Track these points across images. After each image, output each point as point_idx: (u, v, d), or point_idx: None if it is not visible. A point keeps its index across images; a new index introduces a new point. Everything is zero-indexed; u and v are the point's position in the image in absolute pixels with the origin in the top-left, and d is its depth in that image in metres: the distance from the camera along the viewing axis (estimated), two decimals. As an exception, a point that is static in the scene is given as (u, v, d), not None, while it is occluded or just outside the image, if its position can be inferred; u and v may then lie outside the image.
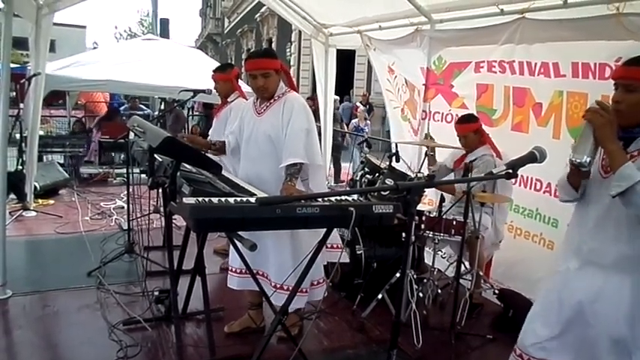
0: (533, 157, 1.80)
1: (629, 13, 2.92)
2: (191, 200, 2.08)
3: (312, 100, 7.83)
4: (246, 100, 3.64)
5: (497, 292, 3.71)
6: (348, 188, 4.49)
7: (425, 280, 3.71)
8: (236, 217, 2.02)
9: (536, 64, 3.63)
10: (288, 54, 21.63)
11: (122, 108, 11.07)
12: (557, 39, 3.38)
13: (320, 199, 2.24)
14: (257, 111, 3.01)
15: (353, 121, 10.59)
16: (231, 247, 2.97)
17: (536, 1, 3.52)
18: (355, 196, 2.45)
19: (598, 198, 1.89)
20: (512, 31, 3.68)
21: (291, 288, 2.57)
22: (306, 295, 2.99)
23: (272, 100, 2.95)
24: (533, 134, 3.70)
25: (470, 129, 3.76)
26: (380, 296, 3.48)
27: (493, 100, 4.06)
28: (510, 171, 1.71)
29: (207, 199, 2.13)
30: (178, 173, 2.48)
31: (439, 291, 3.79)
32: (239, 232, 2.07)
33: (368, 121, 10.20)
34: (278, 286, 2.86)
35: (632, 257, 1.79)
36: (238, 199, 2.22)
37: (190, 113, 11.82)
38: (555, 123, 3.56)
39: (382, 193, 3.54)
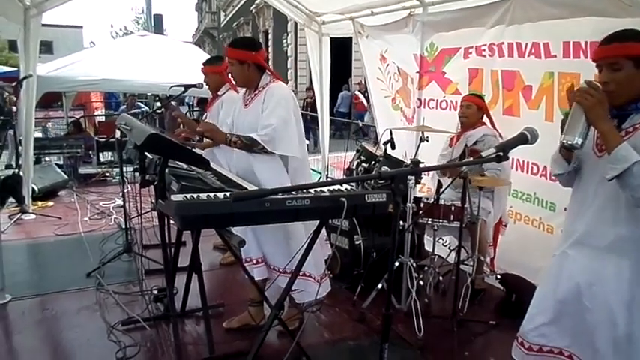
0: (524, 138, 1.74)
1: (624, -14, 2.85)
2: (178, 197, 2.04)
3: (312, 90, 7.77)
4: (237, 92, 3.59)
5: (499, 277, 3.67)
6: (344, 177, 4.44)
7: (426, 268, 3.68)
8: (224, 213, 1.99)
9: (526, 44, 3.56)
10: (285, 45, 21.51)
11: (121, 108, 11.07)
12: (549, 17, 3.31)
13: (312, 190, 2.21)
14: (244, 102, 2.97)
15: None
16: None
17: (528, -21, 3.45)
18: (348, 186, 2.41)
19: (593, 178, 1.84)
20: (504, 10, 3.61)
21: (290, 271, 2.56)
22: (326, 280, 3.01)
23: (256, 92, 2.90)
24: (525, 117, 3.65)
25: (476, 101, 3.78)
26: (380, 286, 3.44)
27: (482, 85, 4.03)
28: (501, 154, 1.66)
29: (195, 195, 2.09)
30: (167, 170, 2.45)
31: (440, 278, 3.76)
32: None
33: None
34: (281, 270, 2.85)
35: (630, 239, 1.74)
36: (227, 194, 2.18)
37: (190, 109, 11.84)
38: (547, 105, 3.50)
39: (378, 181, 3.49)
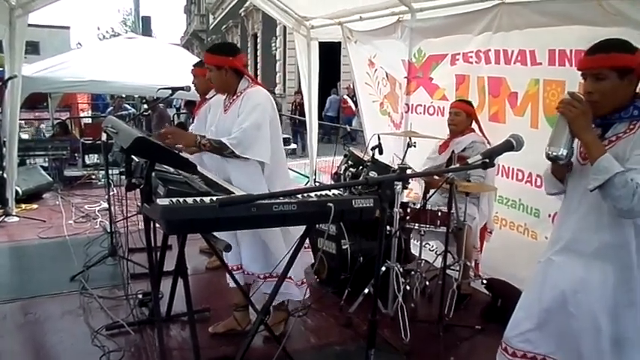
0: (510, 145, 1.76)
1: (610, -4, 2.89)
2: (164, 201, 2.03)
3: (300, 94, 7.78)
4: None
5: (485, 282, 3.69)
6: (332, 182, 4.44)
7: (412, 273, 3.68)
8: (210, 218, 1.98)
9: (513, 51, 3.60)
10: (274, 48, 21.53)
11: (108, 110, 10.98)
12: (535, 25, 3.35)
13: (299, 195, 2.21)
14: (224, 108, 2.97)
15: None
16: None
17: (515, -13, 3.49)
18: (335, 191, 2.41)
19: (577, 186, 1.86)
20: (492, 17, 3.64)
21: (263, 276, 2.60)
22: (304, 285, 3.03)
23: (234, 97, 2.90)
24: (511, 124, 3.68)
25: (465, 108, 3.78)
26: (367, 291, 3.43)
27: (469, 91, 4.06)
28: (487, 160, 1.67)
29: (181, 199, 2.08)
30: (154, 174, 2.43)
31: (427, 283, 3.77)
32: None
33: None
34: (262, 276, 2.85)
35: (615, 245, 1.77)
36: (214, 198, 2.17)
37: (177, 112, 11.79)
38: (532, 112, 3.53)
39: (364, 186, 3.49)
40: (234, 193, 2.45)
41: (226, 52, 2.89)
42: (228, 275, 2.86)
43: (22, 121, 10.24)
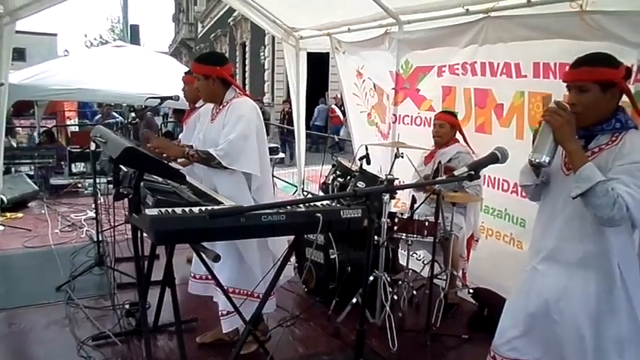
0: (495, 157, 1.79)
1: (593, 11, 2.96)
2: (153, 211, 2.02)
3: (289, 103, 7.79)
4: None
5: (471, 291, 3.72)
6: (320, 192, 4.46)
7: (399, 282, 3.70)
8: (199, 228, 1.98)
9: (498, 64, 3.66)
10: (262, 57, 21.57)
11: (96, 118, 10.91)
12: (521, 38, 3.41)
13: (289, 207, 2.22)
14: (211, 117, 2.99)
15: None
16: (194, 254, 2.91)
17: (500, 1, 3.55)
18: (323, 201, 2.43)
19: (561, 195, 1.90)
20: (477, 30, 3.71)
21: (242, 292, 2.64)
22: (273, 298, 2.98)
23: (221, 107, 2.92)
24: (497, 135, 3.74)
25: (449, 120, 3.84)
26: (355, 300, 3.45)
27: (455, 102, 4.12)
28: (472, 172, 1.70)
29: (170, 209, 2.08)
30: (142, 183, 2.43)
31: (414, 292, 3.79)
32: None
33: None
34: (231, 290, 2.85)
35: (597, 254, 1.81)
36: (203, 208, 2.17)
37: (164, 120, 11.75)
38: (518, 123, 3.60)
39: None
40: (222, 203, 2.45)
41: (214, 61, 2.91)
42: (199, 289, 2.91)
43: (20, 128, 10.21)
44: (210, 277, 2.89)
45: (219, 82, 2.88)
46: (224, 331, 3.03)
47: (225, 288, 2.81)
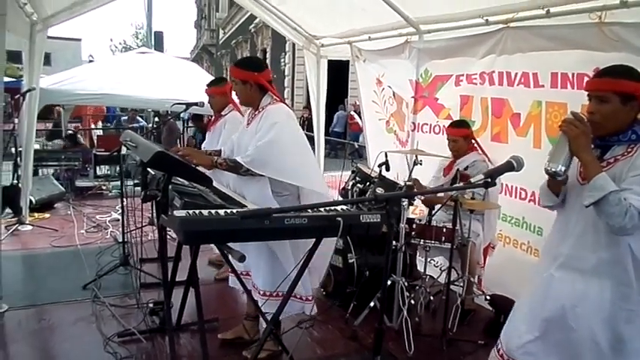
0: (511, 166, 1.85)
1: (611, 23, 2.99)
2: (181, 213, 2.12)
3: (308, 109, 7.88)
4: (241, 113, 3.68)
5: (488, 297, 3.76)
6: (340, 197, 4.53)
7: (417, 287, 3.75)
8: (225, 229, 2.07)
9: (516, 74, 3.69)
10: (283, 64, 21.75)
11: (123, 119, 11.15)
12: (539, 49, 3.44)
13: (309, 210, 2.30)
14: (247, 122, 3.04)
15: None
16: None
17: (519, 12, 3.60)
18: (343, 206, 2.51)
19: (576, 204, 1.93)
20: (496, 41, 3.75)
21: (279, 295, 2.63)
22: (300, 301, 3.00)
23: (257, 112, 2.95)
24: (513, 144, 3.76)
25: (461, 133, 3.85)
26: (372, 304, 3.52)
27: (472, 111, 4.16)
28: (489, 180, 1.76)
29: (197, 211, 2.17)
30: (170, 186, 2.53)
31: (431, 298, 3.83)
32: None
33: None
34: (261, 292, 2.90)
35: (611, 262, 1.84)
36: (229, 210, 2.27)
37: (185, 125, 11.95)
38: (535, 133, 3.62)
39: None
40: (246, 207, 2.55)
41: (252, 67, 2.95)
42: (238, 282, 2.92)
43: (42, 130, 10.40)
44: (250, 273, 3.01)
45: (256, 88, 2.92)
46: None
47: (262, 292, 2.88)
